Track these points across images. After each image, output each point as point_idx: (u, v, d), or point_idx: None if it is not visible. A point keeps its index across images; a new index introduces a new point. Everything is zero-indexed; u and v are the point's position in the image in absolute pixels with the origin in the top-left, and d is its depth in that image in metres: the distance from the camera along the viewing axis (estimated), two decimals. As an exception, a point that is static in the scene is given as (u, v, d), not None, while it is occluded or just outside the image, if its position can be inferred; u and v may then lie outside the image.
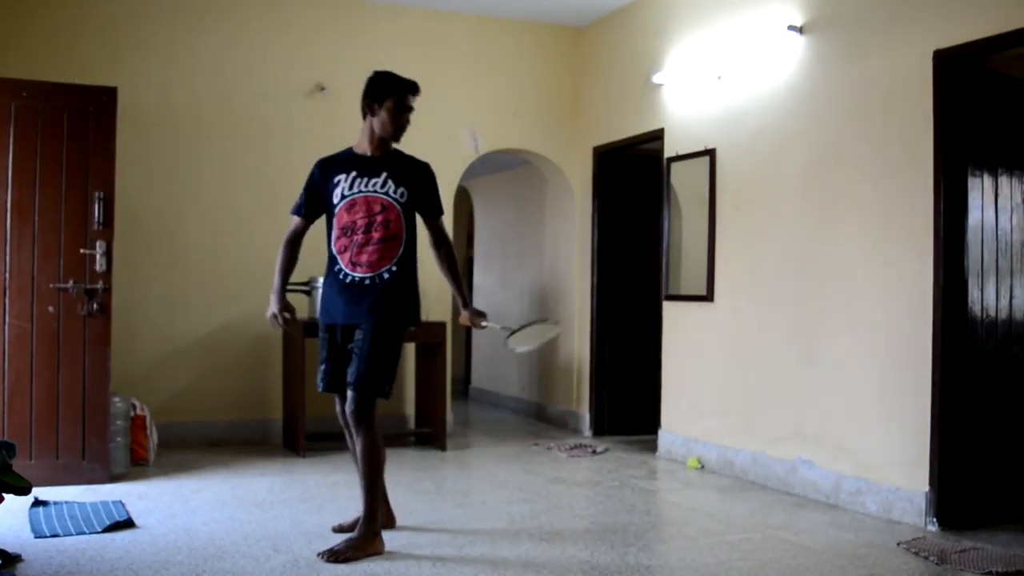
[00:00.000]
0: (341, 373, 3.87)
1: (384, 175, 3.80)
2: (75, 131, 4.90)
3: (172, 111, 6.18)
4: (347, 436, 4.01)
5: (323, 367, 3.94)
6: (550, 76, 7.29)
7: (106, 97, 4.98)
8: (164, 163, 6.16)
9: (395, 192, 3.79)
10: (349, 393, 3.75)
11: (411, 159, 3.93)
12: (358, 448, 3.79)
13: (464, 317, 4.09)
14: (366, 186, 3.79)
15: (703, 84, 5.90)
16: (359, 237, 3.77)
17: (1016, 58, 4.52)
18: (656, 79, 6.29)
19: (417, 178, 3.87)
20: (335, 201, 3.84)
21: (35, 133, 4.83)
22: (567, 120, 7.35)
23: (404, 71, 3.89)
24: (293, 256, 3.98)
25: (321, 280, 4.20)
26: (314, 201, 3.94)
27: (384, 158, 3.87)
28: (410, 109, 3.86)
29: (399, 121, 3.84)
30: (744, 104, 5.54)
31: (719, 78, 5.75)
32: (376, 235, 3.75)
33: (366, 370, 3.72)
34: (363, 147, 3.89)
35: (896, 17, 4.53)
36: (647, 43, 6.51)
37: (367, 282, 3.78)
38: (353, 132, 3.94)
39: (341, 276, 3.82)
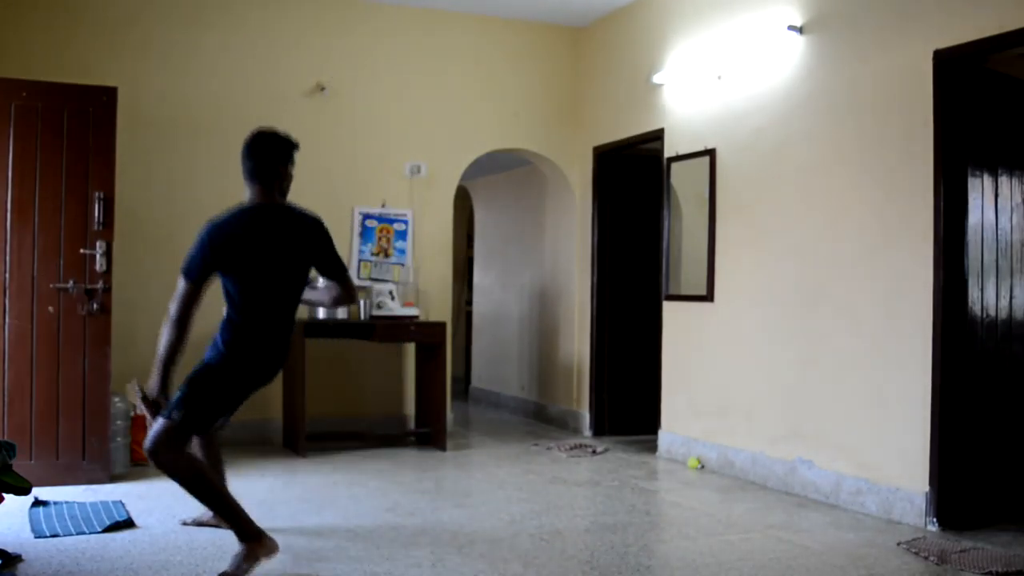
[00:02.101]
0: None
1: None
2: (75, 131, 4.90)
3: (171, 111, 6.18)
4: None
5: None
6: (550, 76, 7.29)
7: (106, 97, 4.98)
8: (164, 163, 6.16)
9: None
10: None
11: None
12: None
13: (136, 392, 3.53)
14: None
15: (703, 84, 5.90)
16: None
17: (1017, 58, 4.52)
18: (656, 79, 6.29)
19: None
20: None
21: (35, 133, 4.83)
22: (567, 120, 7.34)
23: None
24: None
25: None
26: None
27: None
28: None
29: None
30: (744, 104, 5.54)
31: (719, 78, 5.75)
32: None
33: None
34: None
35: (896, 17, 4.53)
36: (647, 43, 6.51)
37: None
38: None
39: None
